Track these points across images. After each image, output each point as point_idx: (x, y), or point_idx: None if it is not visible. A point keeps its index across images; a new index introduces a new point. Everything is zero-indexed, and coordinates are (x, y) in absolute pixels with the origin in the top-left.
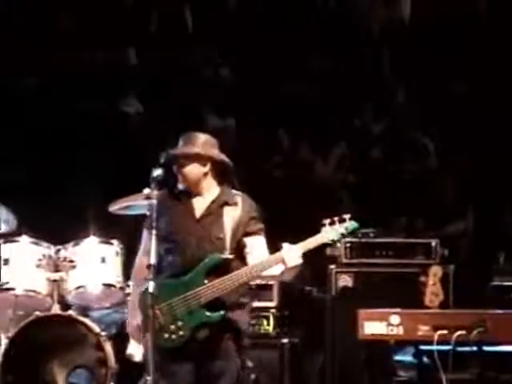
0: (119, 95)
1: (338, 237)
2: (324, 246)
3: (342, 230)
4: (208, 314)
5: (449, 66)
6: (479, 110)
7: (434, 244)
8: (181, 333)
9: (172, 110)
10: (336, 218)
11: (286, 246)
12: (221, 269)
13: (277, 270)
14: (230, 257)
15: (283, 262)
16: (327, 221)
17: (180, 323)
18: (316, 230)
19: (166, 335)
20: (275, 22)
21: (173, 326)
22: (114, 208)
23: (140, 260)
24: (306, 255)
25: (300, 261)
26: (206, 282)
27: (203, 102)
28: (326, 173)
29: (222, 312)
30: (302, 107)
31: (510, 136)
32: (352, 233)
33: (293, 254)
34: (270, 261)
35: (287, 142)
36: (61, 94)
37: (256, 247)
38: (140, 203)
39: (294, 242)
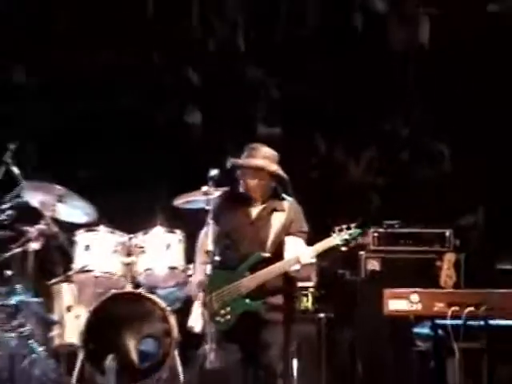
0: (183, 107)
1: (342, 242)
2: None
3: (346, 236)
4: (248, 302)
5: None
6: (488, 116)
7: (448, 234)
8: (228, 317)
9: (227, 119)
10: (344, 226)
11: (302, 247)
12: (261, 265)
13: (297, 266)
14: (268, 255)
15: (298, 260)
16: (337, 228)
17: (228, 309)
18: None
19: (217, 318)
20: (317, 44)
21: (222, 311)
22: (178, 202)
23: (202, 238)
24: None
25: (312, 260)
26: (247, 275)
27: (253, 112)
28: (357, 174)
29: (262, 300)
30: (336, 114)
31: None
32: (355, 238)
33: (306, 254)
34: (292, 259)
35: (323, 146)
36: (137, 102)
37: (292, 246)
38: (199, 198)
39: (325, 237)
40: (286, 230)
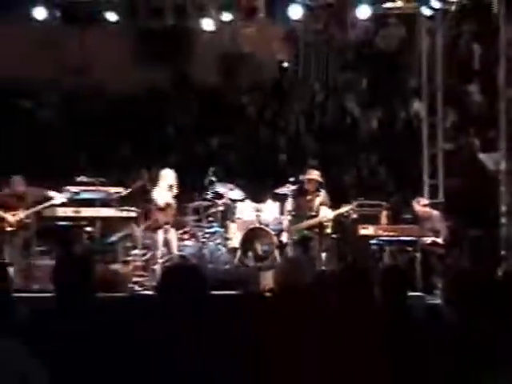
0: None
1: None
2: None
3: (346, 208)
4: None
5: None
6: None
7: None
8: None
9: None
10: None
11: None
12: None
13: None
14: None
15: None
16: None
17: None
18: None
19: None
20: None
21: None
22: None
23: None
24: None
25: (327, 217)
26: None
27: None
28: None
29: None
30: None
31: None
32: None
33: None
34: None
35: None
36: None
37: (322, 210)
38: (283, 190)
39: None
40: (321, 203)
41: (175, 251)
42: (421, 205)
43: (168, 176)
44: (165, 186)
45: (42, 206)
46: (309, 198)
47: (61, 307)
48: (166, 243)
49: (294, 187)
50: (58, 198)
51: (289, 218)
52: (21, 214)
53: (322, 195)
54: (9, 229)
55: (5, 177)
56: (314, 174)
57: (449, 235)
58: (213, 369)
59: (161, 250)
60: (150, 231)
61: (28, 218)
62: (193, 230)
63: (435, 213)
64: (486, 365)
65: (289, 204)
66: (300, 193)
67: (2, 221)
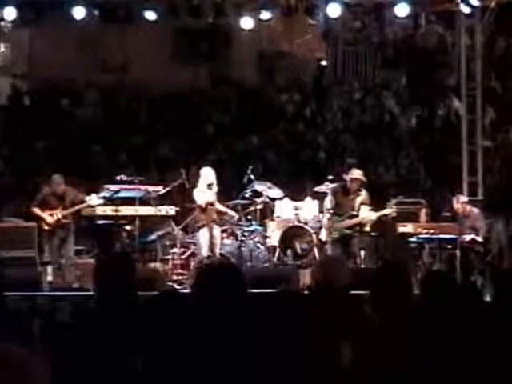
0: None
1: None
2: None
3: (390, 210)
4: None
5: None
6: None
7: None
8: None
9: None
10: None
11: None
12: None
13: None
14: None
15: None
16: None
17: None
18: None
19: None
20: None
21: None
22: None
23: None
24: None
25: (369, 218)
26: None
27: None
28: None
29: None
30: None
31: None
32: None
33: (368, 216)
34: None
35: None
36: None
37: (362, 210)
38: (322, 188)
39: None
40: (361, 203)
41: (218, 250)
42: (460, 202)
43: (208, 175)
44: (205, 185)
45: (79, 206)
46: (351, 197)
47: (102, 306)
48: (210, 241)
49: (333, 185)
50: (95, 199)
51: (328, 216)
52: (58, 214)
53: (364, 195)
54: (46, 228)
55: (45, 176)
56: (358, 174)
57: (488, 233)
58: (252, 366)
59: (205, 248)
60: (191, 230)
61: (65, 218)
62: (232, 228)
63: (475, 210)
64: None
65: (328, 202)
66: (342, 191)
67: (40, 220)
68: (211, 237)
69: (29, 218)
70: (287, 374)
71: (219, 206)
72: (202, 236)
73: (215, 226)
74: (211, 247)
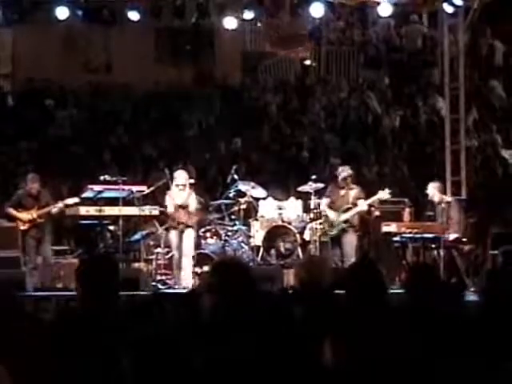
0: None
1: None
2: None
3: (383, 195)
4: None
5: None
6: None
7: None
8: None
9: None
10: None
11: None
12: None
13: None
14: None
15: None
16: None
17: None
18: None
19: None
20: None
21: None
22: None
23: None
24: None
25: (365, 208)
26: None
27: None
28: None
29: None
30: None
31: None
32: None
33: (363, 205)
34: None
35: None
36: None
37: (359, 203)
38: (306, 188)
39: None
40: (357, 198)
41: (187, 252)
42: (434, 187)
43: (179, 177)
44: (176, 188)
45: (53, 206)
46: (343, 193)
47: (85, 306)
48: (179, 244)
49: (317, 185)
50: (70, 200)
51: (324, 216)
52: (34, 214)
53: (356, 189)
54: (22, 228)
55: (25, 176)
56: (347, 170)
57: (471, 232)
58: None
59: (175, 250)
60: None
61: (41, 218)
62: (215, 228)
63: (448, 198)
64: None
65: (324, 201)
66: (335, 189)
67: (16, 220)
68: (179, 240)
69: (5, 218)
70: (269, 373)
71: (192, 208)
72: (171, 238)
73: (188, 229)
74: (179, 250)
